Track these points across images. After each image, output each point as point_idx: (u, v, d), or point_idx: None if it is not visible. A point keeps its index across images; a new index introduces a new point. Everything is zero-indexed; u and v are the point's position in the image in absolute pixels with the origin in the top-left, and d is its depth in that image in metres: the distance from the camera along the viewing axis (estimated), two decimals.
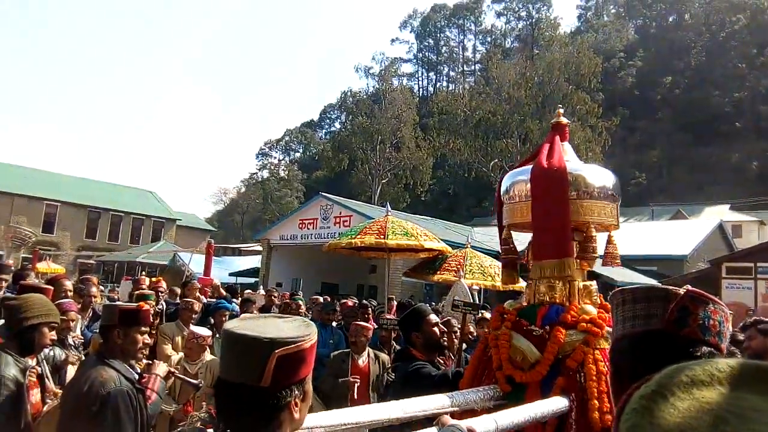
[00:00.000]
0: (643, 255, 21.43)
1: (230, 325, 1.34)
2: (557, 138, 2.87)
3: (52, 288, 4.48)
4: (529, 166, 2.80)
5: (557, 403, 2.38)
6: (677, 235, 24.99)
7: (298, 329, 1.34)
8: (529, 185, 2.73)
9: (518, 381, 2.61)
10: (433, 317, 3.52)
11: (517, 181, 2.84)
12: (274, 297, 8.94)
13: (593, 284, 2.78)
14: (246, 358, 1.27)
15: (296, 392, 1.31)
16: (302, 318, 1.45)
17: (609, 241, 2.85)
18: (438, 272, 9.12)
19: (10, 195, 35.73)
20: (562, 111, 3.08)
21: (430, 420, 2.14)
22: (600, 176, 2.75)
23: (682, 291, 1.16)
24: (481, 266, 9.15)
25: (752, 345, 3.29)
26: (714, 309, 1.16)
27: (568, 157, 2.80)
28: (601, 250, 2.85)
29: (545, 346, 2.57)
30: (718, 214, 34.34)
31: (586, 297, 2.73)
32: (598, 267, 3.14)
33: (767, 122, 48.87)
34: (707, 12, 61.26)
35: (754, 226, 37.45)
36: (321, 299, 9.00)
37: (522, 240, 3.18)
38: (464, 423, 1.98)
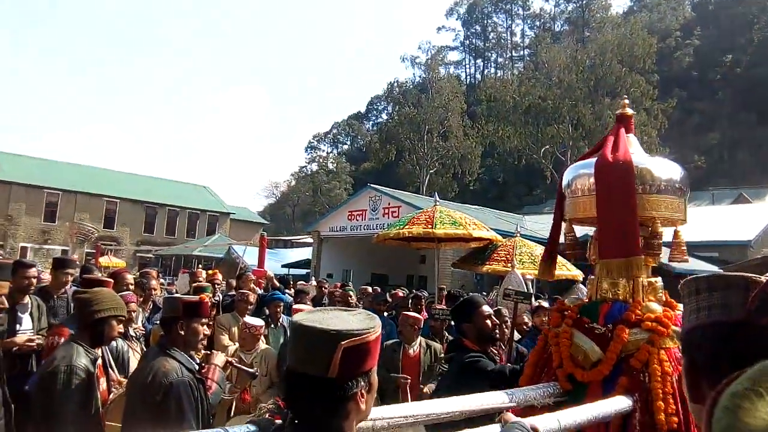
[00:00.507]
0: (704, 241, 20.59)
1: (298, 317, 1.37)
2: (622, 130, 2.75)
3: (112, 281, 4.64)
4: (593, 159, 2.69)
5: (620, 403, 2.31)
6: (740, 219, 23.91)
7: (363, 322, 1.36)
8: (592, 179, 2.62)
9: (579, 380, 2.54)
10: (486, 308, 3.49)
11: (579, 174, 2.74)
12: (325, 288, 9.03)
13: (658, 280, 2.66)
14: (313, 350, 1.29)
15: (362, 383, 1.34)
16: (366, 311, 1.47)
17: (675, 236, 2.73)
18: (487, 263, 8.99)
19: (73, 193, 37.35)
20: (627, 101, 2.94)
21: (490, 416, 2.13)
22: (667, 169, 2.63)
23: (763, 279, 1.09)
24: (532, 255, 8.97)
25: None
26: None
27: (633, 149, 2.68)
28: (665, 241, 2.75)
29: (608, 345, 2.48)
30: None
31: (651, 294, 2.62)
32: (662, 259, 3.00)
33: None
34: None
35: None
36: (371, 290, 9.04)
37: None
38: (527, 421, 1.96)
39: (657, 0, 67.20)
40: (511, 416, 2.02)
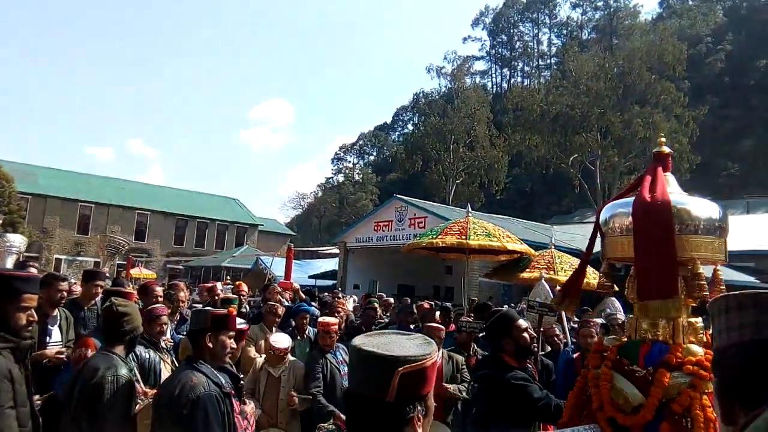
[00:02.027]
0: (739, 251, 19.96)
1: (357, 341, 1.41)
2: (660, 169, 2.72)
3: (135, 294, 4.69)
4: (630, 198, 2.65)
5: None
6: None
7: (420, 348, 1.39)
8: (630, 219, 2.58)
9: (621, 423, 2.46)
10: (522, 322, 3.48)
11: (617, 213, 2.70)
12: (338, 300, 8.85)
13: (699, 321, 2.58)
14: (372, 374, 1.33)
15: (419, 408, 1.36)
16: (423, 336, 1.50)
17: (715, 275, 2.64)
18: (527, 270, 8.87)
19: (106, 206, 38.18)
20: (664, 140, 2.89)
21: None
22: (706, 209, 2.58)
23: None
24: (572, 264, 8.94)
25: None
26: None
27: (671, 189, 2.64)
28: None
29: (649, 389, 2.40)
30: None
31: (691, 335, 2.53)
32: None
33: None
34: None
35: None
36: (392, 300, 8.98)
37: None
38: None
39: (687, 6, 66.30)
40: None
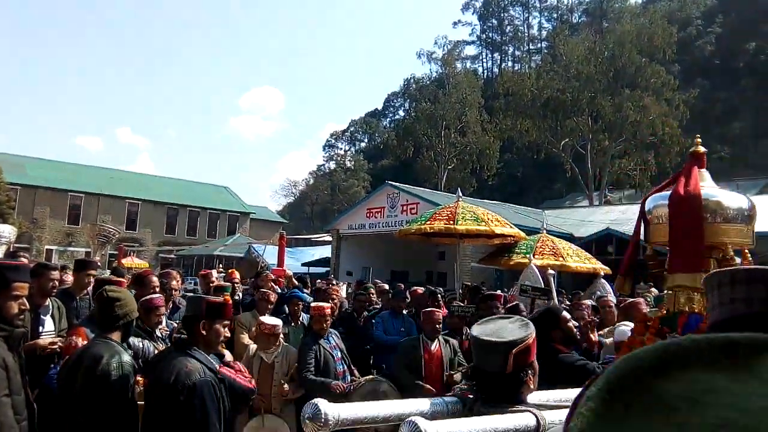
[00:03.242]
0: None
1: (475, 331, 1.95)
2: (695, 167, 3.12)
3: (125, 281, 4.67)
4: (668, 192, 3.08)
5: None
6: (766, 210, 23.44)
7: (522, 330, 1.91)
8: (668, 209, 3.02)
9: None
10: (566, 314, 3.90)
11: (659, 204, 3.14)
12: (332, 287, 8.84)
13: None
14: (493, 356, 1.85)
15: (530, 372, 1.87)
16: (521, 318, 2.04)
17: (744, 257, 3.04)
18: (536, 256, 8.87)
19: (96, 195, 37.93)
20: (700, 140, 3.30)
21: None
22: (735, 201, 2.98)
23: None
24: (575, 250, 9.04)
25: None
26: None
27: (705, 183, 3.04)
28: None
29: None
30: None
31: None
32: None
33: None
34: None
35: None
36: (386, 286, 8.98)
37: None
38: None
39: None
40: None
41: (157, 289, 4.74)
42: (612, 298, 6.03)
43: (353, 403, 2.53)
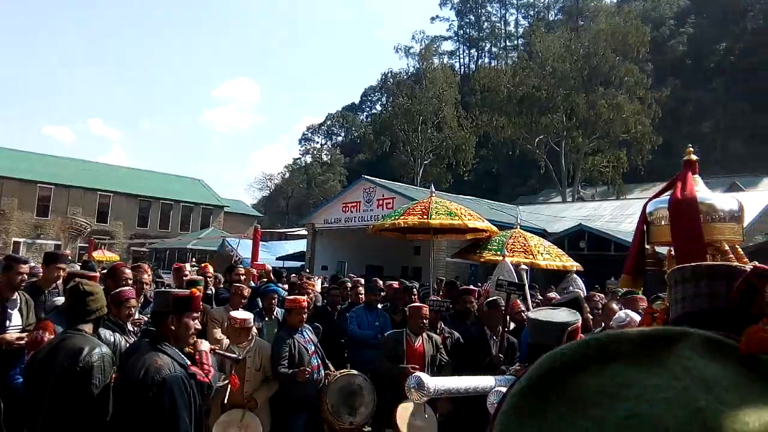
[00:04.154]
0: None
1: (533, 315, 2.56)
2: (689, 173, 3.41)
3: (97, 275, 4.59)
4: (667, 196, 3.37)
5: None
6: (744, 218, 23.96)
7: (570, 316, 2.49)
8: (668, 212, 3.31)
9: None
10: (586, 306, 4.33)
11: (659, 207, 3.41)
12: (307, 282, 8.82)
13: None
14: (549, 334, 2.36)
15: None
16: (567, 309, 2.62)
17: (736, 252, 3.27)
18: (507, 254, 8.99)
19: (66, 187, 37.15)
20: (692, 149, 3.62)
21: None
22: (727, 202, 3.28)
23: (748, 268, 1.09)
24: (546, 247, 9.12)
25: None
26: None
27: (699, 188, 3.34)
28: None
29: None
30: None
31: None
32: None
33: None
34: None
35: None
36: (362, 281, 8.96)
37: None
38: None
39: None
40: None
41: (130, 282, 4.68)
42: (581, 293, 6.14)
43: (445, 377, 3.46)
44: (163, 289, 5.28)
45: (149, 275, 5.69)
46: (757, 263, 1.14)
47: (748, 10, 56.48)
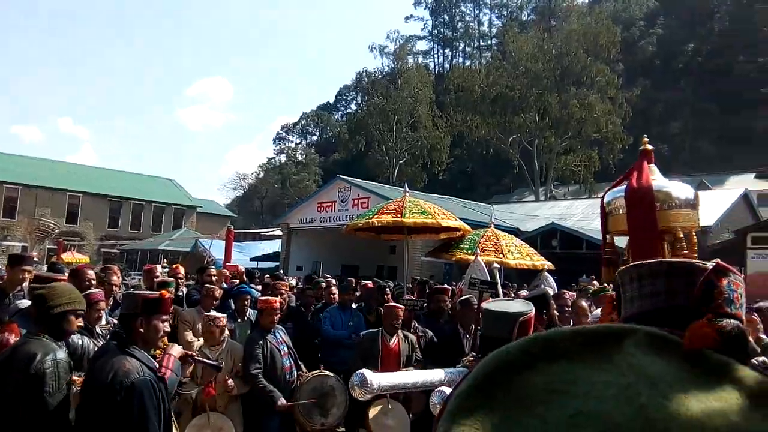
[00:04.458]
0: None
1: (487, 305, 2.53)
2: (645, 162, 3.46)
3: (66, 276, 4.50)
4: (624, 186, 3.41)
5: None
6: (701, 206, 24.42)
7: (525, 306, 2.43)
8: (624, 201, 3.35)
9: None
10: (553, 303, 4.32)
11: (616, 197, 3.47)
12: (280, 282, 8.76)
13: None
14: (501, 324, 2.31)
15: None
16: (522, 300, 2.60)
17: (690, 238, 3.38)
18: (478, 253, 9.06)
19: (34, 188, 36.34)
20: (647, 139, 3.66)
21: None
22: (682, 190, 3.37)
23: (709, 265, 1.09)
24: (517, 246, 9.20)
25: None
26: (735, 281, 1.09)
27: (655, 176, 3.40)
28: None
29: None
30: (743, 183, 33.55)
31: None
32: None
33: None
34: None
35: None
36: (335, 281, 8.91)
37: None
38: None
39: None
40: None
41: (94, 283, 4.58)
42: (550, 291, 6.22)
43: (390, 373, 3.43)
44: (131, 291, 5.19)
45: (119, 277, 5.59)
46: (719, 260, 1.14)
47: (715, 12, 57.79)
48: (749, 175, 38.25)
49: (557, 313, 4.21)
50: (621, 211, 3.41)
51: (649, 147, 3.63)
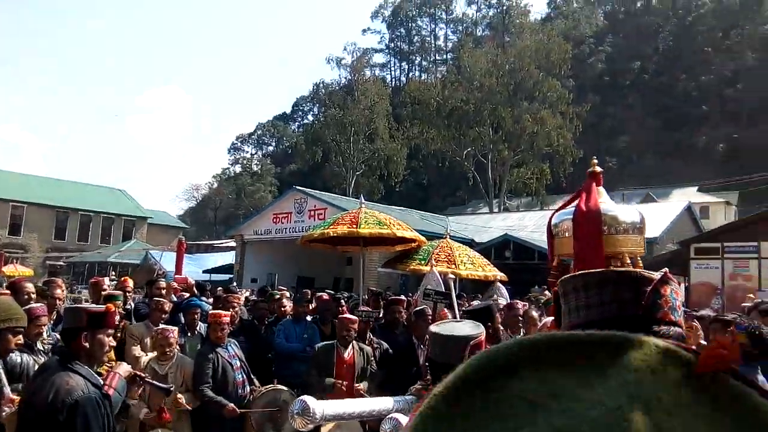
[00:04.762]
0: None
1: (436, 329, 2.28)
2: (593, 185, 3.41)
3: (9, 291, 4.31)
4: (572, 208, 3.37)
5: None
6: (647, 217, 25.08)
7: (474, 329, 2.26)
8: (572, 224, 3.29)
9: None
10: (498, 316, 4.20)
11: (563, 219, 3.40)
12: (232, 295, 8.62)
13: None
14: (450, 349, 2.13)
15: None
16: (472, 321, 2.43)
17: (636, 265, 3.29)
18: (431, 263, 9.09)
19: None
20: (596, 161, 3.62)
21: None
22: (630, 214, 3.33)
23: (656, 274, 1.10)
24: (470, 257, 9.31)
25: None
26: (675, 289, 1.11)
27: (603, 199, 3.34)
28: None
29: None
30: (687, 196, 34.93)
31: None
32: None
33: (733, 105, 49.83)
34: None
35: (721, 207, 38.25)
36: (288, 294, 8.79)
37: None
38: None
39: (572, 8, 70.41)
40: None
41: (34, 297, 4.40)
42: (502, 300, 6.31)
43: (335, 401, 3.20)
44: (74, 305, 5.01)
45: (63, 290, 5.38)
46: (667, 270, 1.15)
47: (659, 32, 60.30)
48: (692, 188, 39.85)
49: (500, 327, 4.17)
50: (567, 234, 3.35)
51: (598, 169, 3.57)
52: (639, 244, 3.33)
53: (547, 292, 9.12)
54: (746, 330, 2.92)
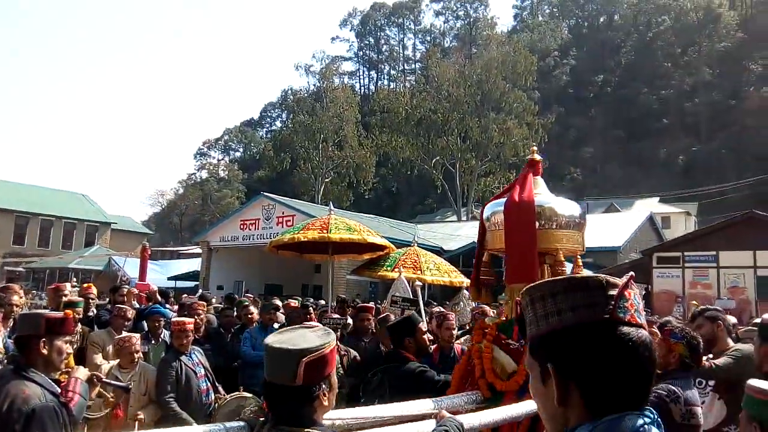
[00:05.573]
0: None
1: (269, 340, 1.74)
2: (530, 174, 3.15)
3: None
4: (504, 199, 3.12)
5: (529, 406, 2.63)
6: (611, 227, 25.89)
7: (321, 338, 1.73)
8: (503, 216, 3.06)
9: (498, 389, 2.92)
10: (423, 325, 3.92)
11: (495, 211, 3.14)
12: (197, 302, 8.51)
13: None
14: (282, 366, 1.67)
15: (323, 386, 1.69)
16: (324, 327, 1.85)
17: (576, 263, 3.14)
18: (396, 269, 9.12)
19: None
20: (536, 148, 3.37)
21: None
22: (567, 208, 3.06)
23: (619, 280, 1.11)
24: (436, 263, 9.38)
25: (702, 332, 3.49)
26: (637, 292, 1.13)
27: (539, 190, 3.09)
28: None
29: (521, 359, 2.82)
30: (649, 206, 35.81)
31: None
32: None
33: (691, 119, 51.40)
34: (635, 13, 63.98)
35: (681, 217, 39.32)
36: (255, 299, 8.74)
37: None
38: (456, 418, 2.37)
39: (538, 21, 71.90)
40: (445, 413, 2.40)
41: None
42: (468, 308, 6.34)
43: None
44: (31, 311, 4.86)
45: (21, 297, 5.20)
46: (632, 273, 1.16)
47: (621, 46, 61.93)
48: (654, 199, 40.88)
49: (425, 338, 3.86)
50: (499, 227, 3.07)
51: (537, 157, 3.28)
52: (578, 242, 3.09)
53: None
54: (685, 339, 2.89)
